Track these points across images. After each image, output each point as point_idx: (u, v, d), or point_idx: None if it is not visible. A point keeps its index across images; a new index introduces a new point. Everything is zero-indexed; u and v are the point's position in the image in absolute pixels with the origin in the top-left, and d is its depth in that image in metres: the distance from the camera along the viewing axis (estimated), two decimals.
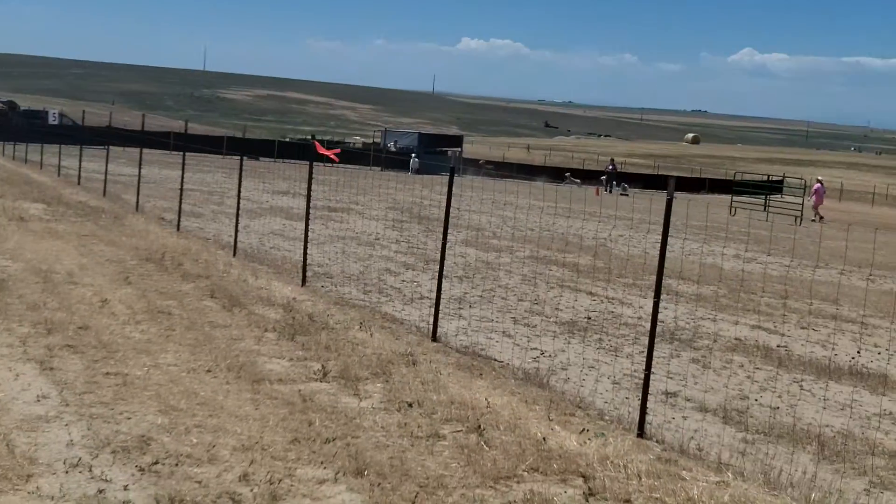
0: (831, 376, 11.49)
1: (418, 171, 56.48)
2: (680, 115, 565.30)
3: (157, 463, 6.72)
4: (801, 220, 42.89)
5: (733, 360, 12.04)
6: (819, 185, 48.15)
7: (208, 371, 9.16)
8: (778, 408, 9.88)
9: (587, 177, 68.15)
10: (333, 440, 7.42)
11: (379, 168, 58.50)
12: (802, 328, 14.59)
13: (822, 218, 45.02)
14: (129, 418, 7.63)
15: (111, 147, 28.99)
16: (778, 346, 13.01)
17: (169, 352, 9.77)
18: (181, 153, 21.85)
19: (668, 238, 8.72)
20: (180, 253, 16.10)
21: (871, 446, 8.74)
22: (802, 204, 45.37)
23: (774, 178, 67.98)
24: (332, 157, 15.56)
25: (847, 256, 23.57)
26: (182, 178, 20.60)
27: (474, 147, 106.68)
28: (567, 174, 67.88)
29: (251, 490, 6.35)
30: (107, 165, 26.16)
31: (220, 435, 7.39)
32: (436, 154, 63.83)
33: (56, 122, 56.02)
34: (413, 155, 61.82)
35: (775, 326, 14.45)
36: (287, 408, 8.17)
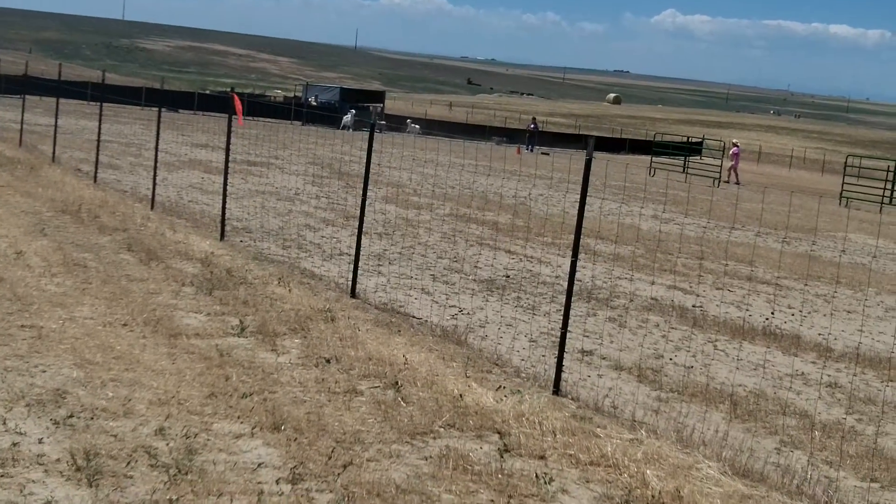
0: (745, 336, 11.72)
1: (350, 128, 55.55)
2: (602, 75, 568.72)
3: (72, 416, 6.65)
4: (720, 182, 43.48)
5: (649, 319, 12.22)
6: (736, 147, 48.73)
7: (125, 325, 9.06)
8: (692, 367, 10.06)
9: (510, 136, 68.43)
10: (250, 395, 7.40)
11: (300, 123, 57.98)
12: (718, 289, 14.85)
13: (738, 181, 45.60)
14: (44, 371, 7.53)
15: (27, 96, 28.36)
16: (693, 307, 13.23)
17: (85, 305, 9.65)
18: (99, 104, 21.45)
19: (587, 198, 8.79)
20: (97, 205, 15.84)
21: (783, 406, 8.94)
22: (721, 166, 45.95)
23: (694, 140, 68.76)
24: (240, 119, 15.34)
25: (763, 219, 24.01)
26: (99, 129, 20.25)
27: (396, 103, 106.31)
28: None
29: (167, 444, 6.32)
30: (23, 115, 25.60)
31: (136, 389, 7.33)
32: (358, 109, 63.42)
33: None
34: (350, 110, 60.84)
35: (691, 287, 14.69)
36: (204, 363, 8.13)
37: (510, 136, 68.64)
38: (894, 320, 13.99)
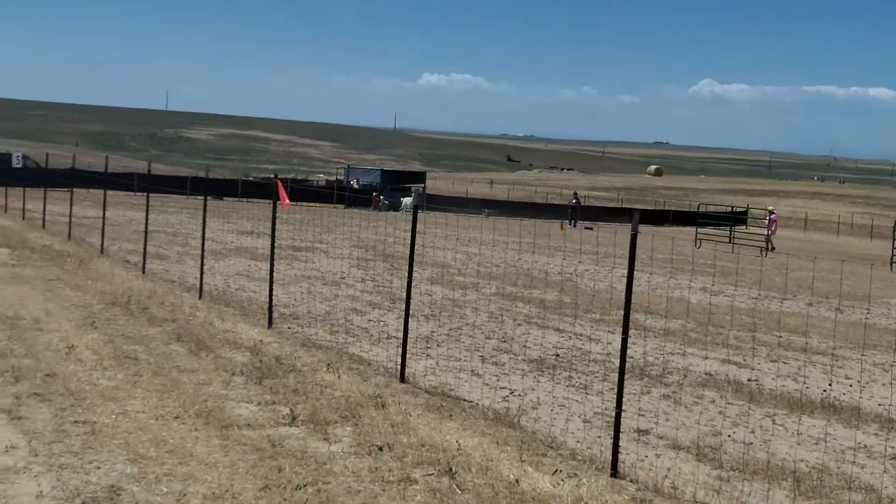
0: (804, 410, 11.49)
1: (412, 209, 55.59)
2: (642, 147, 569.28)
3: None
4: (766, 251, 43.15)
5: (704, 395, 12.03)
6: (773, 215, 48.30)
7: (177, 417, 9.04)
8: (751, 443, 9.85)
9: (552, 211, 68.38)
10: (304, 486, 7.33)
11: (343, 206, 58.42)
12: (773, 361, 14.61)
13: (773, 248, 44.94)
14: (98, 468, 7.51)
15: (75, 189, 28.77)
16: (749, 380, 13.01)
17: (137, 398, 9.65)
18: (145, 194, 21.71)
19: (634, 272, 8.70)
20: (146, 296, 15.96)
21: (848, 480, 8.72)
22: (767, 235, 45.66)
23: (738, 209, 68.48)
24: (285, 202, 15.49)
25: (815, 287, 23.70)
26: (146, 219, 20.47)
27: (437, 183, 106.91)
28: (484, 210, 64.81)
29: None
30: (71, 208, 25.97)
31: (190, 483, 7.28)
32: (399, 190, 63.87)
33: (19, 165, 55.59)
34: (414, 191, 61.00)
35: (745, 360, 14.46)
36: (256, 454, 8.07)
37: (554, 211, 68.47)
38: None
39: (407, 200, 58.27)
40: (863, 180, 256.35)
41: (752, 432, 10.34)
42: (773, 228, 47.15)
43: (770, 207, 53.25)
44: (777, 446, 9.81)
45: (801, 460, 9.31)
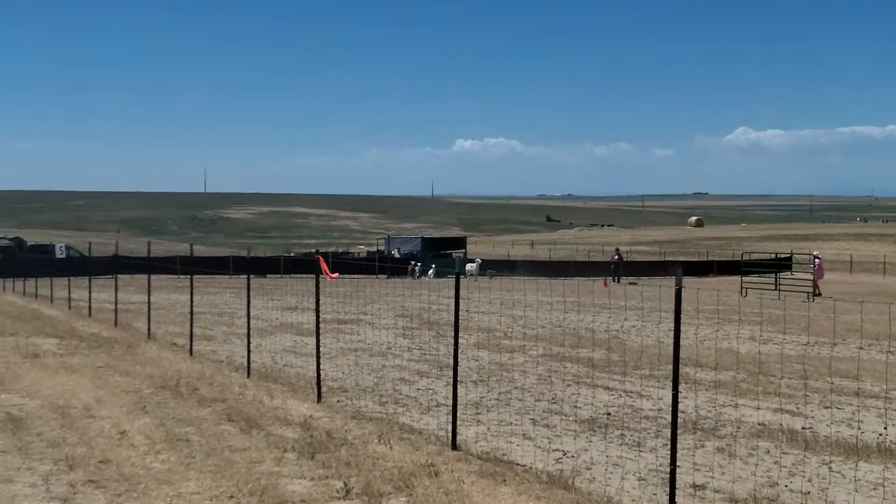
0: (860, 455, 11.34)
1: (475, 276, 55.92)
2: (681, 198, 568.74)
3: None
4: (813, 296, 42.77)
5: (759, 446, 11.90)
6: (818, 259, 47.86)
7: (231, 497, 9.07)
8: (809, 492, 9.73)
9: (590, 267, 68.17)
10: None
11: (385, 276, 58.65)
12: (826, 407, 14.44)
13: (819, 293, 44.54)
14: None
15: (119, 276, 29.11)
16: (803, 429, 12.86)
17: (191, 480, 9.70)
18: (188, 276, 21.93)
19: (681, 325, 8.68)
20: (195, 378, 16.07)
21: None
22: (813, 280, 45.29)
23: (782, 256, 68.04)
24: (330, 277, 15.75)
25: (864, 330, 23.45)
26: (191, 301, 20.65)
27: (478, 248, 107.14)
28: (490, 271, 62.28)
29: None
30: (116, 295, 26.27)
31: None
32: (440, 257, 64.04)
33: (63, 255, 56.44)
34: (477, 260, 61.57)
35: (798, 408, 14.31)
36: None
37: (589, 268, 68.18)
38: None
39: (470, 267, 58.55)
40: None
41: (809, 481, 10.21)
42: (818, 273, 46.76)
43: (815, 252, 52.82)
44: (835, 494, 9.69)
45: None
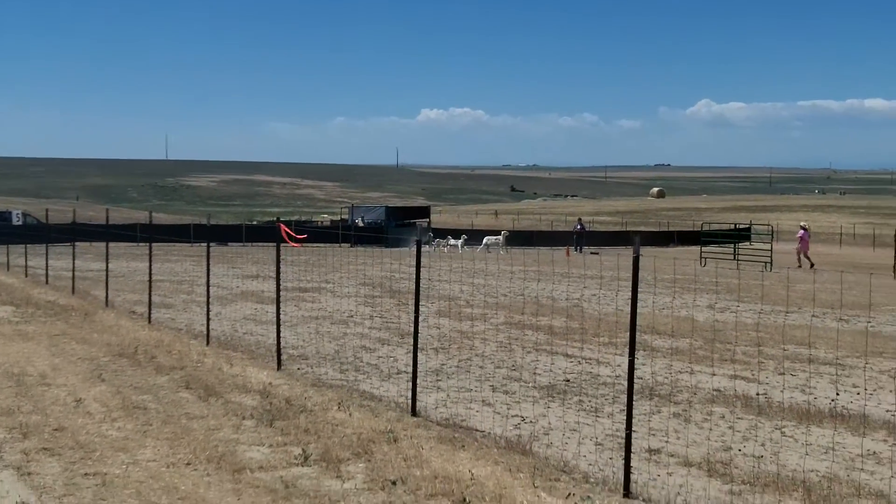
0: (812, 420, 11.50)
1: (497, 248, 55.00)
2: (643, 170, 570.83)
3: None
4: (771, 265, 43.11)
5: (714, 411, 12.04)
6: (803, 231, 47.73)
7: (188, 464, 9.07)
8: (762, 456, 9.86)
9: (554, 237, 68.31)
10: None
11: (348, 245, 58.53)
12: (780, 374, 14.61)
13: (812, 264, 44.23)
14: None
15: (77, 243, 28.89)
16: (757, 394, 13.02)
17: (147, 447, 9.68)
18: (148, 244, 21.79)
19: (640, 294, 8.76)
20: (153, 346, 16.00)
21: (857, 488, 8.73)
22: (771, 250, 45.61)
23: (741, 226, 68.50)
24: (293, 243, 15.65)
25: (819, 299, 23.71)
26: (150, 269, 20.53)
27: (442, 217, 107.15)
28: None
29: None
30: (74, 262, 26.06)
31: None
32: (404, 226, 63.94)
33: (20, 223, 55.81)
34: (504, 232, 60.36)
35: (753, 374, 14.48)
36: (270, 495, 8.09)
37: (553, 237, 68.27)
38: None
39: (489, 239, 57.65)
40: (863, 191, 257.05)
41: (762, 445, 10.35)
42: (804, 245, 46.53)
43: (802, 223, 52.99)
44: (787, 458, 9.82)
45: (812, 470, 9.33)
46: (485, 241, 57.43)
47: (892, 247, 46.08)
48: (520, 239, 64.80)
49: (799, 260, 45.38)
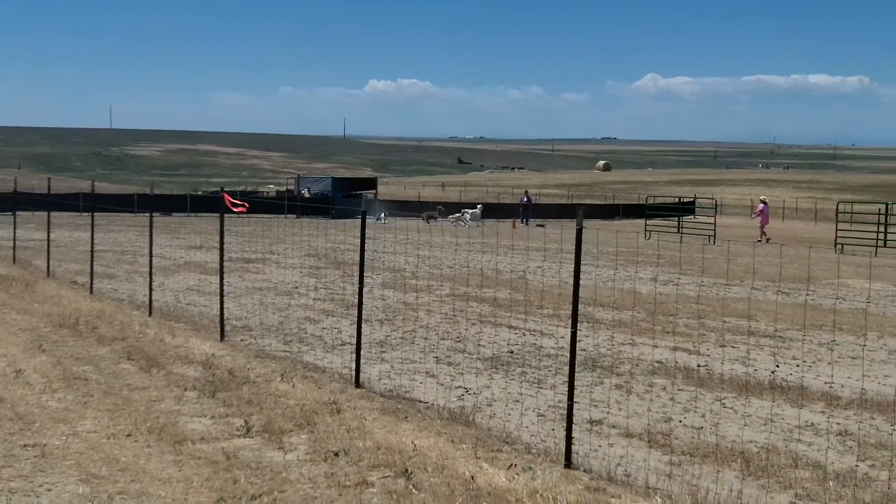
0: (752, 392, 11.66)
1: (472, 223, 54.48)
2: (590, 143, 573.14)
3: None
4: (714, 239, 43.49)
5: (655, 383, 12.16)
6: (763, 205, 47.79)
7: (129, 435, 9.00)
8: (702, 427, 9.98)
9: (500, 209, 68.40)
10: (260, 496, 7.33)
11: (294, 215, 58.24)
12: (721, 346, 14.79)
13: (768, 239, 44.49)
14: (49, 490, 7.46)
15: (19, 212, 28.49)
16: (698, 366, 13.16)
17: (87, 418, 9.59)
18: (90, 214, 21.53)
19: (584, 266, 8.82)
20: (95, 316, 15.84)
21: (795, 459, 8.87)
22: (715, 223, 46.01)
23: (686, 200, 69.08)
24: (238, 210, 15.48)
25: (761, 272, 23.99)
26: (92, 239, 20.30)
27: (389, 188, 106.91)
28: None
29: None
30: (14, 232, 25.69)
31: (144, 500, 7.26)
32: (350, 197, 63.72)
33: None
34: (478, 205, 59.67)
35: (694, 346, 14.64)
36: (211, 467, 8.06)
37: (499, 210, 68.29)
38: None
39: (468, 213, 56.83)
40: (806, 165, 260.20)
41: (703, 416, 10.48)
42: (765, 219, 46.73)
43: (762, 197, 53.26)
44: (726, 429, 9.96)
45: (750, 441, 9.46)
46: (469, 213, 57.11)
47: (833, 221, 46.66)
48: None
49: (762, 234, 45.62)
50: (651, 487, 7.73)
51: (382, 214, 53.65)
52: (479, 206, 59.64)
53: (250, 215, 42.24)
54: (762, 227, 46.35)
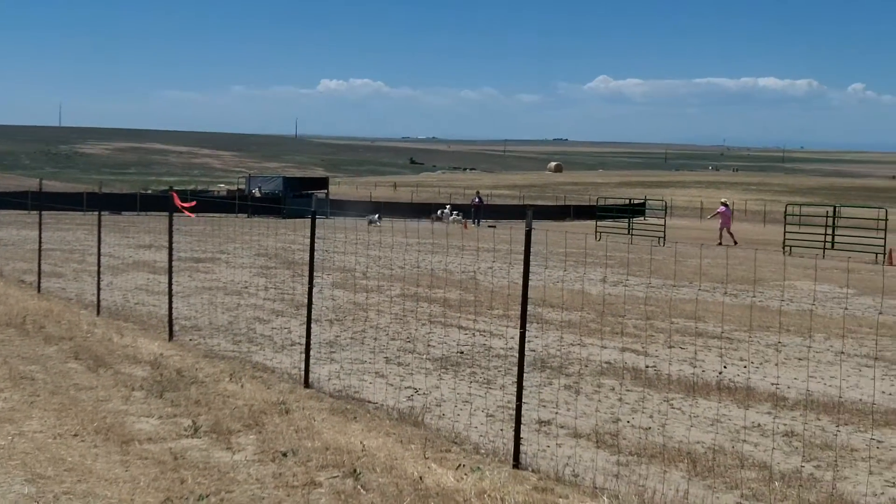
0: (699, 393, 11.78)
1: (444, 220, 56.84)
2: (542, 144, 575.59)
3: None
4: (664, 240, 43.82)
5: (604, 383, 12.24)
6: (724, 207, 47.48)
7: (75, 435, 8.93)
8: (649, 428, 10.08)
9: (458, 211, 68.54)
10: (207, 497, 7.31)
11: (245, 215, 57.96)
12: (669, 347, 14.92)
13: (735, 242, 44.23)
14: None
15: None
16: (646, 367, 13.27)
17: (34, 418, 9.50)
18: (38, 212, 21.31)
19: (534, 267, 8.86)
20: (42, 315, 15.68)
21: (741, 459, 8.98)
22: (664, 225, 46.35)
23: (636, 202, 69.52)
24: (187, 211, 15.40)
25: (709, 273, 24.22)
26: (39, 237, 20.11)
27: (341, 188, 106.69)
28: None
29: None
30: None
31: (90, 500, 7.21)
32: (301, 197, 63.49)
33: None
34: (447, 207, 63.11)
35: (643, 347, 14.76)
36: (158, 467, 8.02)
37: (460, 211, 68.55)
38: (844, 364, 14.11)
39: (446, 211, 60.52)
40: (756, 168, 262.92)
41: (650, 417, 10.58)
42: (727, 221, 46.40)
43: (723, 199, 53.47)
44: (674, 429, 10.06)
45: (697, 442, 9.57)
46: (446, 213, 59.70)
47: (782, 223, 47.09)
48: (416, 211, 64.82)
49: (721, 237, 45.59)
50: (599, 487, 7.79)
51: (377, 216, 53.60)
52: (448, 206, 61.71)
53: (201, 214, 42.01)
54: (723, 229, 46.10)
